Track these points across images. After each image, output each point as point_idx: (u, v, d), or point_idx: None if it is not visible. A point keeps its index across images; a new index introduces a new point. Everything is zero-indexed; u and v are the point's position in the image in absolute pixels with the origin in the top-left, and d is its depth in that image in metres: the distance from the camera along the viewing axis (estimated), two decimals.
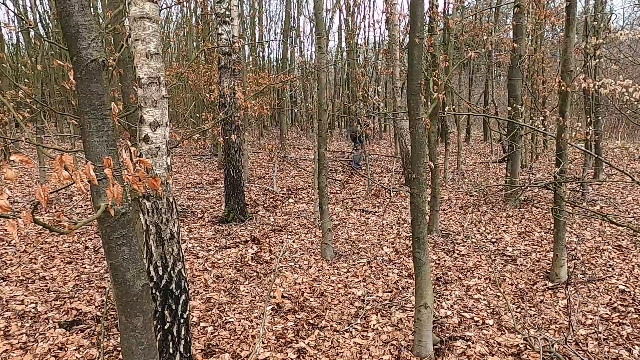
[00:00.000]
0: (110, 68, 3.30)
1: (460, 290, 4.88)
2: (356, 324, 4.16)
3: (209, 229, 7.13)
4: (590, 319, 4.23)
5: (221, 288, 4.94)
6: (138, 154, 2.89)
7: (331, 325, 4.14)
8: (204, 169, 12.66)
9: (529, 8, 8.61)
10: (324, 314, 4.35)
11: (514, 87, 8.11)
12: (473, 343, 3.83)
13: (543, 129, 6.20)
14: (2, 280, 5.04)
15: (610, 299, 4.61)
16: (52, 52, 13.05)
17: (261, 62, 20.92)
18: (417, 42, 3.41)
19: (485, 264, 5.61)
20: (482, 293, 4.82)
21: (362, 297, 4.73)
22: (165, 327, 3.15)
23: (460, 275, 5.29)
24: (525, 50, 7.92)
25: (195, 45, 16.18)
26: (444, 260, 5.75)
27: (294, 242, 6.49)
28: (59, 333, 3.93)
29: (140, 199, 3.04)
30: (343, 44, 20.30)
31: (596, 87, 4.43)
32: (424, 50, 3.50)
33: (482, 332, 4.03)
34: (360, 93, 10.39)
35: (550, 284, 4.99)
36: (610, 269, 5.36)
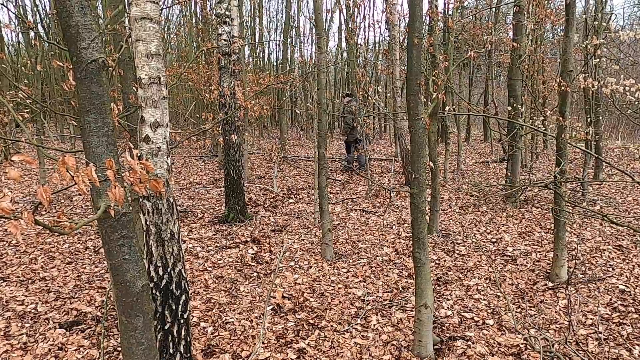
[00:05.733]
0: (110, 68, 3.30)
1: (461, 290, 4.88)
2: (356, 324, 4.17)
3: (209, 229, 7.13)
4: (591, 319, 4.23)
5: (221, 288, 4.94)
6: (138, 155, 2.90)
7: (331, 326, 4.14)
8: (204, 170, 12.66)
9: (528, 8, 8.61)
10: (324, 314, 4.35)
11: (514, 87, 8.10)
12: (473, 343, 3.83)
13: (543, 129, 6.21)
14: (2, 281, 5.05)
15: (611, 299, 4.61)
16: (52, 53, 13.05)
17: (261, 62, 20.92)
18: (416, 42, 3.41)
19: (486, 264, 5.61)
20: (482, 293, 4.83)
21: (362, 297, 4.73)
22: (166, 328, 3.15)
23: (461, 275, 5.29)
24: (525, 50, 7.92)
25: (195, 45, 16.19)
26: (444, 260, 5.75)
27: (294, 242, 6.49)
28: (59, 333, 3.93)
29: (141, 200, 3.04)
30: (343, 44, 20.31)
31: (597, 86, 4.43)
32: (423, 50, 3.51)
33: (482, 332, 4.03)
34: (360, 93, 10.39)
35: (550, 284, 4.99)
36: (610, 269, 5.36)
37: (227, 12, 6.92)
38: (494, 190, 9.47)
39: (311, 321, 4.21)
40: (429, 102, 5.15)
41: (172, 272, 3.14)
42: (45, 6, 15.17)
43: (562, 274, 5.02)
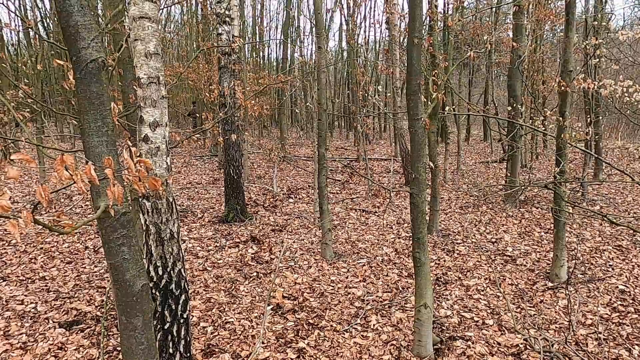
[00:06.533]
0: (110, 68, 3.30)
1: (460, 290, 4.88)
2: (356, 324, 4.16)
3: (209, 229, 7.13)
4: (590, 319, 4.23)
5: (221, 288, 4.94)
6: (138, 154, 2.90)
7: (331, 325, 4.14)
8: (204, 169, 12.66)
9: (528, 7, 8.61)
10: (324, 314, 4.35)
11: (513, 87, 8.10)
12: (473, 343, 3.83)
13: (543, 129, 6.20)
14: (2, 280, 5.04)
15: (610, 299, 4.61)
16: (52, 52, 13.05)
17: (261, 62, 20.93)
18: (415, 42, 3.41)
19: (485, 264, 5.61)
20: (482, 293, 4.82)
21: (362, 297, 4.73)
22: (165, 327, 3.15)
23: (460, 275, 5.29)
24: (525, 50, 7.92)
25: (195, 45, 16.20)
26: (444, 260, 5.75)
27: (294, 242, 6.49)
28: (58, 333, 3.93)
29: (140, 199, 3.04)
30: (344, 44, 20.31)
31: (596, 87, 4.42)
32: (423, 50, 3.51)
33: (482, 332, 4.03)
34: (360, 93, 10.39)
35: (550, 284, 4.99)
36: (610, 269, 5.36)
37: (227, 12, 6.92)
38: (494, 190, 9.47)
39: (311, 321, 4.21)
40: (429, 102, 5.15)
41: (171, 271, 3.14)
42: (46, 5, 15.16)
43: (562, 274, 5.02)
